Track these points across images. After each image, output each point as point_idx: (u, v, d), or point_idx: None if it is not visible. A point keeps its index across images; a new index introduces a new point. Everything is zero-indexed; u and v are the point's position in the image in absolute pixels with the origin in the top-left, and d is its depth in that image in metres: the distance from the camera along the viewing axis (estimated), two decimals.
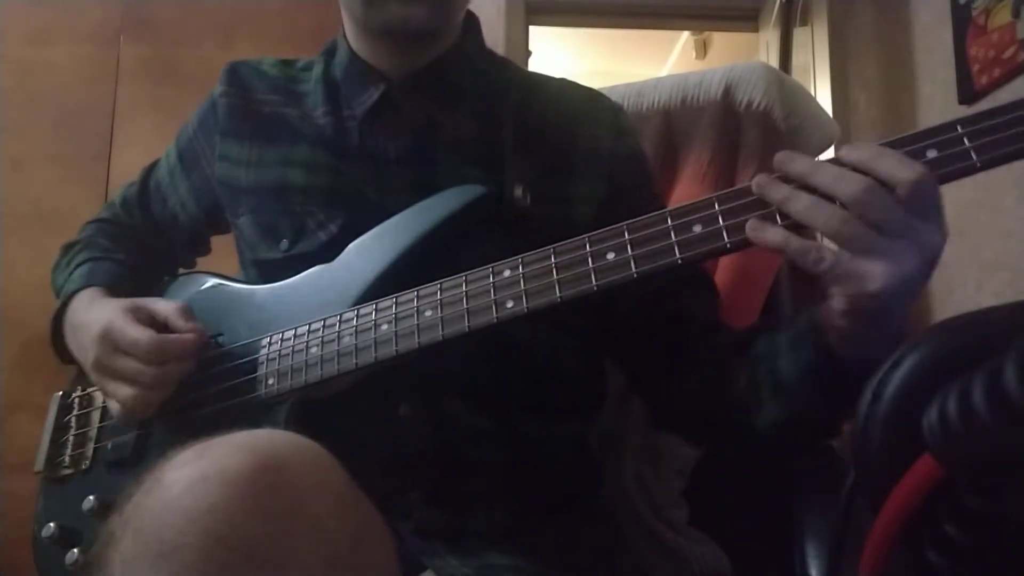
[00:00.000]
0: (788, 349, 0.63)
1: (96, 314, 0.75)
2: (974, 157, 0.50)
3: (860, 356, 0.57)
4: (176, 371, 0.70)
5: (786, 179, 0.54)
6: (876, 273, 0.50)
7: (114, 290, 0.82)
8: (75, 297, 0.82)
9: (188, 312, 0.73)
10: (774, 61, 2.14)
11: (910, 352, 0.54)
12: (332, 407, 0.69)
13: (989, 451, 0.44)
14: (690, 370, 0.76)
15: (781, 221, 0.54)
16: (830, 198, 0.52)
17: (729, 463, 1.03)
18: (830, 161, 0.53)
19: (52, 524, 0.74)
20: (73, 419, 0.83)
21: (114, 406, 0.73)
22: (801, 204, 0.52)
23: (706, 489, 1.05)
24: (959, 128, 0.51)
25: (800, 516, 0.82)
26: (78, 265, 0.86)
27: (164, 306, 0.74)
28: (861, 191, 0.50)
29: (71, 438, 0.81)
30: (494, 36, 2.27)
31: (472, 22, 0.85)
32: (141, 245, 0.94)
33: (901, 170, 0.50)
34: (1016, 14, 1.40)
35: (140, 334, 0.70)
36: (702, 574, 0.97)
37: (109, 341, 0.71)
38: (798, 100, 1.16)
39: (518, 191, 0.74)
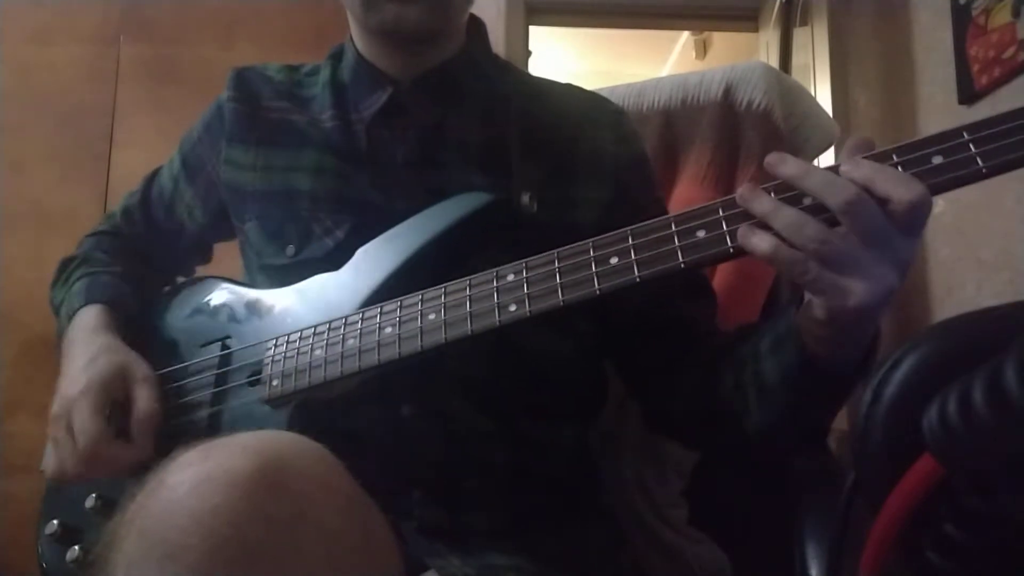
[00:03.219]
0: (769, 353, 0.63)
1: (82, 361, 0.73)
2: (980, 163, 0.50)
3: (836, 359, 0.58)
4: (99, 474, 0.69)
5: (777, 184, 0.54)
6: (857, 289, 0.50)
7: (115, 305, 0.81)
8: (76, 316, 0.80)
9: (153, 423, 0.70)
10: (774, 61, 2.14)
11: (910, 352, 0.54)
12: (335, 408, 0.69)
13: (989, 451, 0.44)
14: (683, 374, 0.76)
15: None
16: (819, 204, 0.51)
17: (729, 463, 1.03)
18: (824, 168, 0.53)
19: (55, 521, 0.75)
20: None
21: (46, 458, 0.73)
22: (784, 219, 0.52)
23: (706, 489, 1.05)
24: (965, 135, 0.51)
25: (800, 516, 0.82)
26: (76, 280, 0.85)
27: (141, 404, 0.70)
28: (851, 200, 0.50)
29: None
30: (494, 36, 2.25)
31: (478, 26, 0.85)
32: (141, 255, 0.94)
33: (901, 189, 0.49)
34: (1016, 14, 1.40)
35: (88, 429, 0.68)
36: (702, 574, 0.98)
37: (65, 412, 0.70)
38: (798, 100, 1.16)
39: (525, 197, 0.74)
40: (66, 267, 0.91)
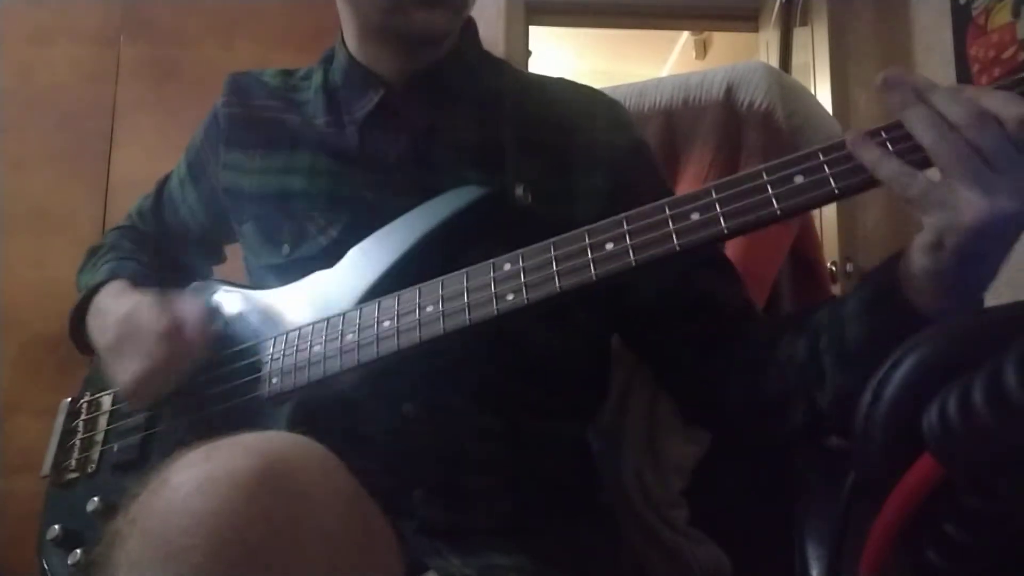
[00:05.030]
0: (858, 316, 0.60)
1: (123, 301, 0.78)
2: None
3: (939, 308, 0.55)
4: (188, 355, 0.71)
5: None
6: (972, 203, 0.48)
7: (140, 287, 0.83)
8: (103, 287, 0.83)
9: (208, 316, 0.74)
10: (774, 61, 2.14)
11: (910, 352, 0.54)
12: (336, 406, 0.69)
13: (989, 451, 0.44)
14: (723, 357, 0.75)
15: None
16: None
17: (729, 463, 1.03)
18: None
19: (57, 526, 0.75)
20: (80, 424, 0.83)
21: (122, 385, 0.74)
22: (893, 167, 0.51)
23: (706, 489, 1.05)
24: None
25: (800, 516, 0.82)
26: (104, 264, 0.88)
27: (189, 308, 0.74)
28: (974, 115, 0.49)
29: (78, 442, 0.81)
30: (494, 36, 2.26)
31: (469, 25, 0.85)
32: (159, 253, 0.97)
33: (1009, 106, 0.49)
34: (1016, 14, 1.40)
35: (161, 314, 0.72)
36: (702, 574, 0.98)
37: (131, 321, 0.74)
38: (799, 100, 1.16)
39: (519, 190, 0.75)
40: (94, 254, 0.94)
